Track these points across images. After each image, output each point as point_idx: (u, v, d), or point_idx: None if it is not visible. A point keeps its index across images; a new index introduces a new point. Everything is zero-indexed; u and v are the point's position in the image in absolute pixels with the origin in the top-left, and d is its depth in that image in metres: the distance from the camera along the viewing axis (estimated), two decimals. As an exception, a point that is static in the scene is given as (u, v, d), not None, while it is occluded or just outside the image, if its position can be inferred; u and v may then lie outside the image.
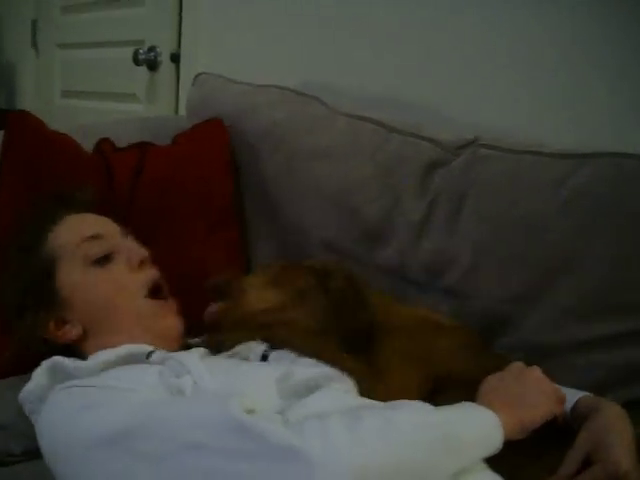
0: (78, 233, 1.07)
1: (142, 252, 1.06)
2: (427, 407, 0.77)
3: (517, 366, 0.88)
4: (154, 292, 1.05)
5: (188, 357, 0.89)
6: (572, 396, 0.87)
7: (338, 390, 0.85)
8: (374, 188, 1.22)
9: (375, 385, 0.86)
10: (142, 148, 1.32)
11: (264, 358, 0.93)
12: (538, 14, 1.25)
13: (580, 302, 1.03)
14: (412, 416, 0.74)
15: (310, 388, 0.84)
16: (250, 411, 0.73)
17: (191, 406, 0.78)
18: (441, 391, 0.88)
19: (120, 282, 1.03)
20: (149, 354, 0.94)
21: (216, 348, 0.98)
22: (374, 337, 0.95)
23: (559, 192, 1.05)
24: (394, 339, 0.94)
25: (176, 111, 2.07)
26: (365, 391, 0.87)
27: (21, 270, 1.06)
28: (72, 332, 1.03)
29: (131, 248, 1.07)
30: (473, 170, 1.13)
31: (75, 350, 1.04)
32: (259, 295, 1.02)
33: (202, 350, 0.97)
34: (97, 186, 1.20)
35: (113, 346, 0.98)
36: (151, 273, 1.06)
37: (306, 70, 1.64)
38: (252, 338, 0.96)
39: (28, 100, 2.81)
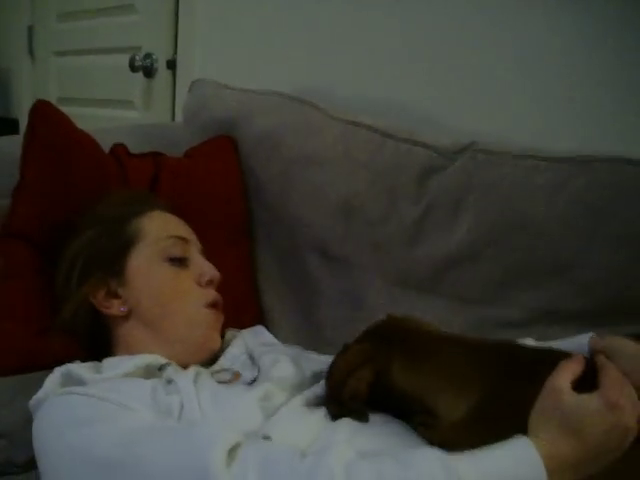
0: (166, 228, 1.09)
1: (215, 274, 1.08)
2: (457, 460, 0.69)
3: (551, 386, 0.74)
4: (212, 305, 1.06)
5: (182, 377, 0.90)
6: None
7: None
8: (370, 194, 1.22)
9: None
10: (156, 158, 1.32)
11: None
12: (534, 17, 1.26)
13: (579, 307, 1.04)
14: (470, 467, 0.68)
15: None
16: (237, 445, 0.72)
17: (174, 446, 0.75)
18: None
19: (184, 288, 1.05)
20: (162, 367, 0.94)
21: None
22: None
23: (557, 197, 1.06)
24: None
25: (173, 118, 2.07)
26: None
27: (101, 236, 1.06)
28: (117, 308, 1.03)
29: (206, 266, 1.08)
30: (470, 175, 1.13)
31: (106, 333, 1.05)
32: None
33: (198, 369, 0.96)
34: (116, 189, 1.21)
35: (144, 344, 1.01)
36: (214, 293, 1.07)
37: (302, 76, 1.64)
38: None
39: (24, 107, 2.78)
